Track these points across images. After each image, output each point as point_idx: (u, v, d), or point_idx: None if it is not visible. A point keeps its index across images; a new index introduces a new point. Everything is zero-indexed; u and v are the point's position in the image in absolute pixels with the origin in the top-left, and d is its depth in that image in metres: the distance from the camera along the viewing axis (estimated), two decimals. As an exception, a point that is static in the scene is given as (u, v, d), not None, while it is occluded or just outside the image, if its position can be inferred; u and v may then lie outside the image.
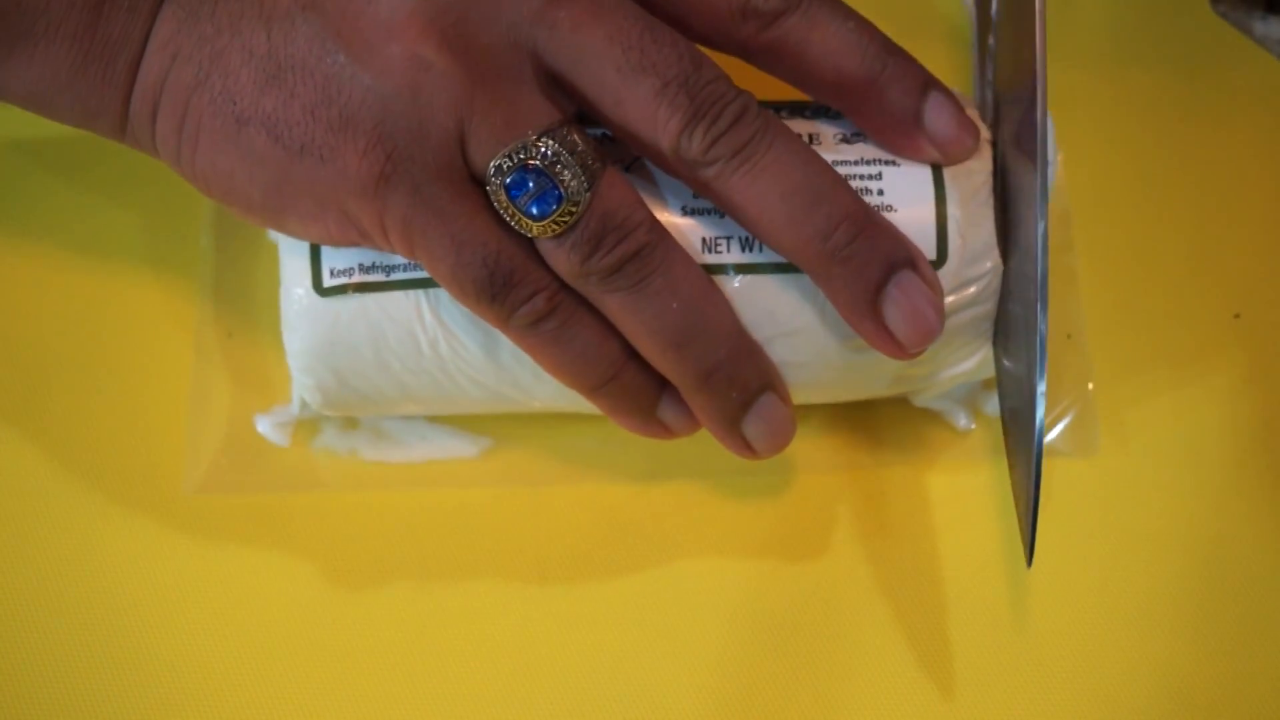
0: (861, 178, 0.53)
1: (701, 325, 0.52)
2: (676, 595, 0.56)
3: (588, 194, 0.50)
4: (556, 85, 0.51)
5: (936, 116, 0.53)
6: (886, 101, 0.52)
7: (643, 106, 0.50)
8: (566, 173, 0.50)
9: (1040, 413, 0.52)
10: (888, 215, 0.53)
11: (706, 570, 0.56)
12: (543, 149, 0.49)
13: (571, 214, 0.50)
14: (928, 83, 0.53)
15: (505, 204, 0.50)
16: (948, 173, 0.54)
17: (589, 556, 0.57)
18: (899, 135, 0.53)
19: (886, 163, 0.53)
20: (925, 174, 0.53)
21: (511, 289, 0.50)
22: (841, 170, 0.53)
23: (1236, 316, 0.60)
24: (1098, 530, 0.57)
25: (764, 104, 0.54)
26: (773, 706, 0.55)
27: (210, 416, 0.58)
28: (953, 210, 0.53)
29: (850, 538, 0.57)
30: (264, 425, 0.58)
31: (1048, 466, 0.57)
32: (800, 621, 0.56)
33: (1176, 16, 0.65)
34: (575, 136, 0.50)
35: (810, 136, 0.54)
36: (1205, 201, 0.62)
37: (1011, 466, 0.55)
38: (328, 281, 0.53)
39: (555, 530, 0.57)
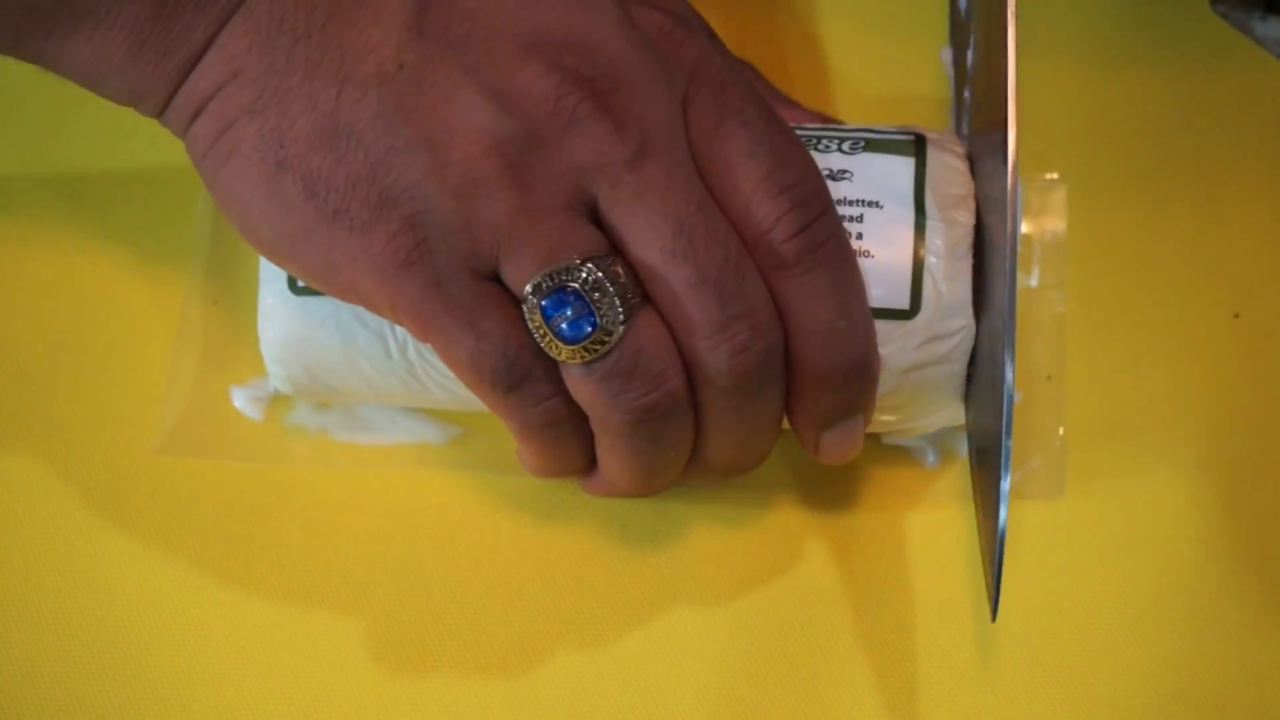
0: (843, 219, 0.53)
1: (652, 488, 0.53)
2: (644, 638, 0.56)
3: (622, 327, 0.49)
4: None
5: (833, 441, 0.53)
6: (810, 403, 0.52)
7: (674, 293, 0.49)
8: (604, 300, 0.49)
9: (1005, 486, 0.52)
10: (865, 260, 0.52)
11: (670, 610, 0.56)
12: (584, 274, 0.49)
13: (604, 343, 0.49)
14: (852, 409, 0.53)
15: (539, 323, 0.49)
16: (929, 223, 0.53)
17: (527, 546, 0.57)
18: (798, 427, 0.53)
19: (869, 204, 0.53)
20: (908, 221, 0.53)
21: (529, 383, 0.50)
22: None
23: (1236, 316, 0.60)
24: (1065, 573, 0.56)
25: None
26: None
27: (184, 381, 0.59)
28: (931, 261, 0.53)
29: (817, 572, 0.56)
30: (239, 398, 0.58)
31: (1015, 509, 0.57)
32: (771, 652, 0.55)
33: (1176, 16, 0.65)
34: (618, 268, 0.49)
35: None
36: (1205, 202, 0.62)
37: (978, 507, 0.55)
38: (302, 280, 0.53)
39: (512, 518, 0.57)
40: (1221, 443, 0.58)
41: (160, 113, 0.51)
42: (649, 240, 0.49)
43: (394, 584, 0.56)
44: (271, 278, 0.54)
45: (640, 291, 0.50)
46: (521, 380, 0.50)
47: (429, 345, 0.51)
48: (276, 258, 0.51)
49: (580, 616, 0.56)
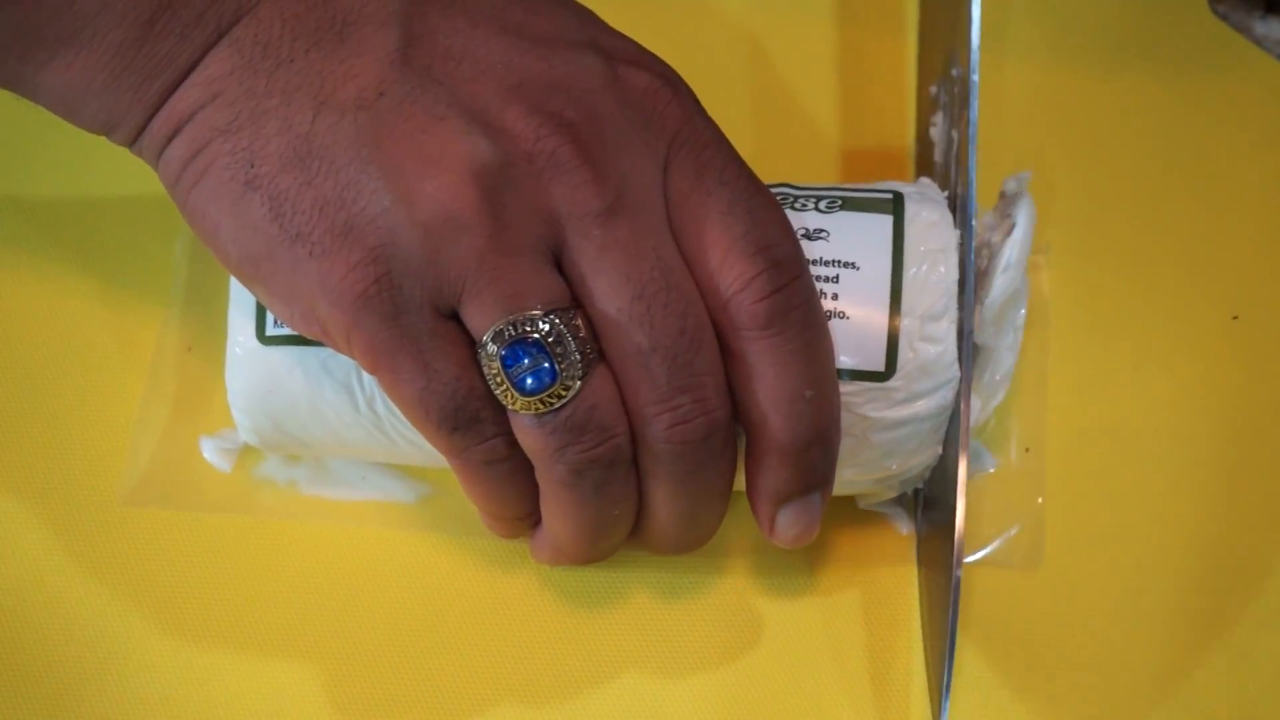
0: (818, 279, 0.52)
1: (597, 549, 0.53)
2: (613, 701, 0.55)
3: (579, 383, 0.49)
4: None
5: (789, 520, 0.52)
6: (768, 474, 0.51)
7: (625, 356, 0.49)
8: (564, 357, 0.49)
9: (954, 616, 0.52)
10: (839, 322, 0.52)
11: (643, 684, 0.55)
12: (546, 326, 0.48)
13: (560, 397, 0.49)
14: (811, 484, 0.52)
15: (496, 371, 0.49)
16: (907, 284, 0.52)
17: (491, 607, 0.56)
18: (754, 502, 0.52)
19: (846, 265, 0.53)
20: (884, 282, 0.52)
21: (475, 425, 0.50)
22: None
23: (1235, 318, 0.60)
24: (1037, 640, 0.56)
25: None
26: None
27: (154, 429, 0.58)
28: (907, 323, 0.52)
29: (786, 640, 0.56)
30: (208, 449, 0.58)
31: (990, 578, 0.56)
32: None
33: (1176, 17, 0.65)
34: (579, 321, 0.49)
35: None
36: (1204, 202, 0.62)
37: (924, 579, 0.55)
38: (270, 330, 0.53)
39: (477, 579, 0.57)
40: (1221, 444, 0.58)
41: (134, 140, 0.50)
42: (608, 299, 0.49)
43: (353, 640, 0.56)
44: (240, 326, 0.54)
45: (597, 346, 0.49)
46: (468, 422, 0.50)
47: (376, 379, 0.50)
48: (244, 279, 0.50)
49: (532, 678, 0.55)
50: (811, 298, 0.50)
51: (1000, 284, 0.55)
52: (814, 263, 0.52)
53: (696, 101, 0.51)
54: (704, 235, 0.50)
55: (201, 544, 0.57)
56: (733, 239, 0.49)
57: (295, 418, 0.54)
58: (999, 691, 0.55)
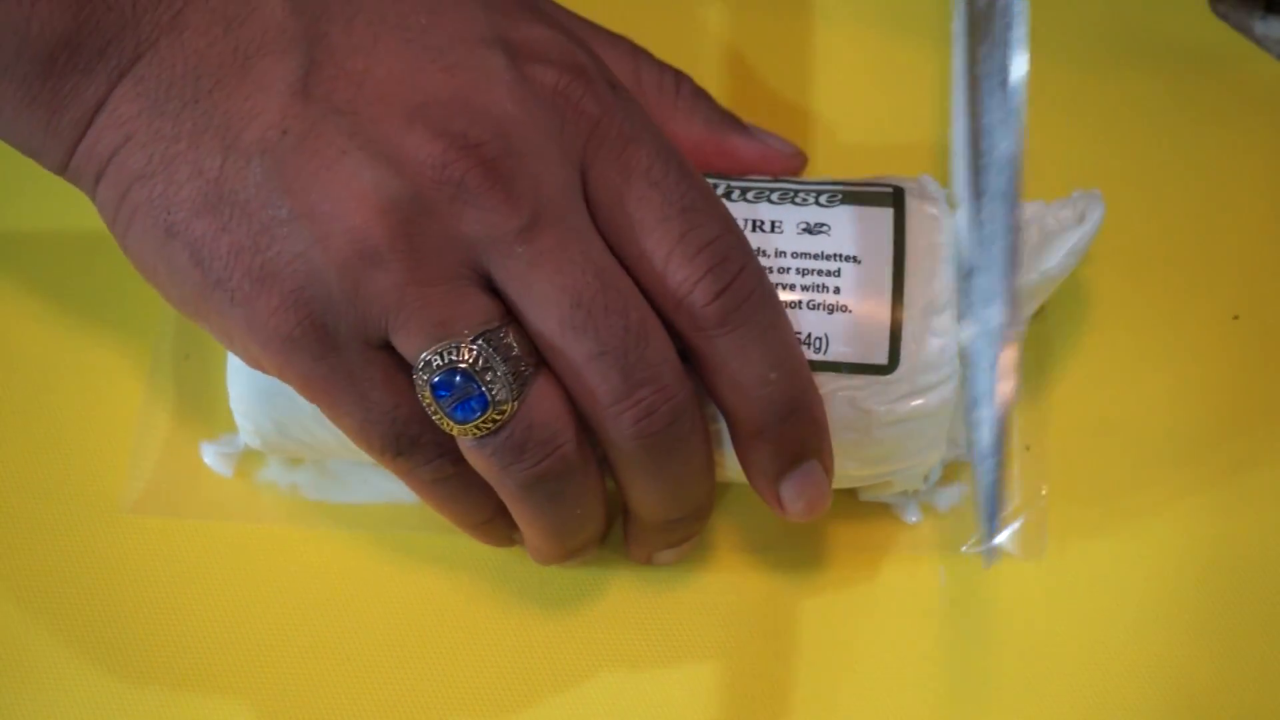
0: (820, 273, 0.52)
1: (569, 547, 0.53)
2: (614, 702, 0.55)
3: (514, 403, 0.48)
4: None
5: (793, 493, 0.52)
6: (755, 455, 0.51)
7: (574, 365, 0.49)
8: (495, 380, 0.48)
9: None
10: (842, 315, 0.52)
11: (642, 682, 0.55)
12: (474, 352, 0.48)
13: (495, 421, 0.48)
14: (801, 455, 0.52)
15: (429, 399, 0.48)
16: (908, 277, 0.52)
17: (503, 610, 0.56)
18: (755, 485, 0.52)
19: (847, 259, 0.53)
20: (886, 275, 0.52)
21: (418, 449, 0.50)
22: (800, 263, 0.52)
23: (1235, 318, 0.60)
24: (1045, 630, 0.56)
25: (729, 179, 0.53)
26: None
27: (155, 437, 0.58)
28: (910, 315, 0.52)
29: (788, 635, 0.56)
30: (209, 454, 0.58)
31: (994, 567, 0.56)
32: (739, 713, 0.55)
33: (1176, 17, 0.65)
34: (510, 340, 0.48)
35: (772, 224, 0.53)
36: (1205, 202, 0.62)
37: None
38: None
39: (482, 579, 0.57)
40: (1221, 445, 0.58)
41: (62, 170, 0.50)
42: (546, 313, 0.48)
43: (354, 640, 0.56)
44: None
45: (534, 359, 0.49)
46: (410, 447, 0.49)
47: (321, 409, 0.50)
48: (189, 318, 0.50)
49: (532, 678, 0.55)
50: (761, 282, 0.50)
51: (1061, 264, 0.55)
52: (815, 256, 0.52)
53: (615, 88, 0.50)
54: (642, 241, 0.49)
55: (203, 547, 0.57)
56: (672, 242, 0.49)
57: (298, 421, 0.54)
58: (1000, 684, 0.55)
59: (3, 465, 0.58)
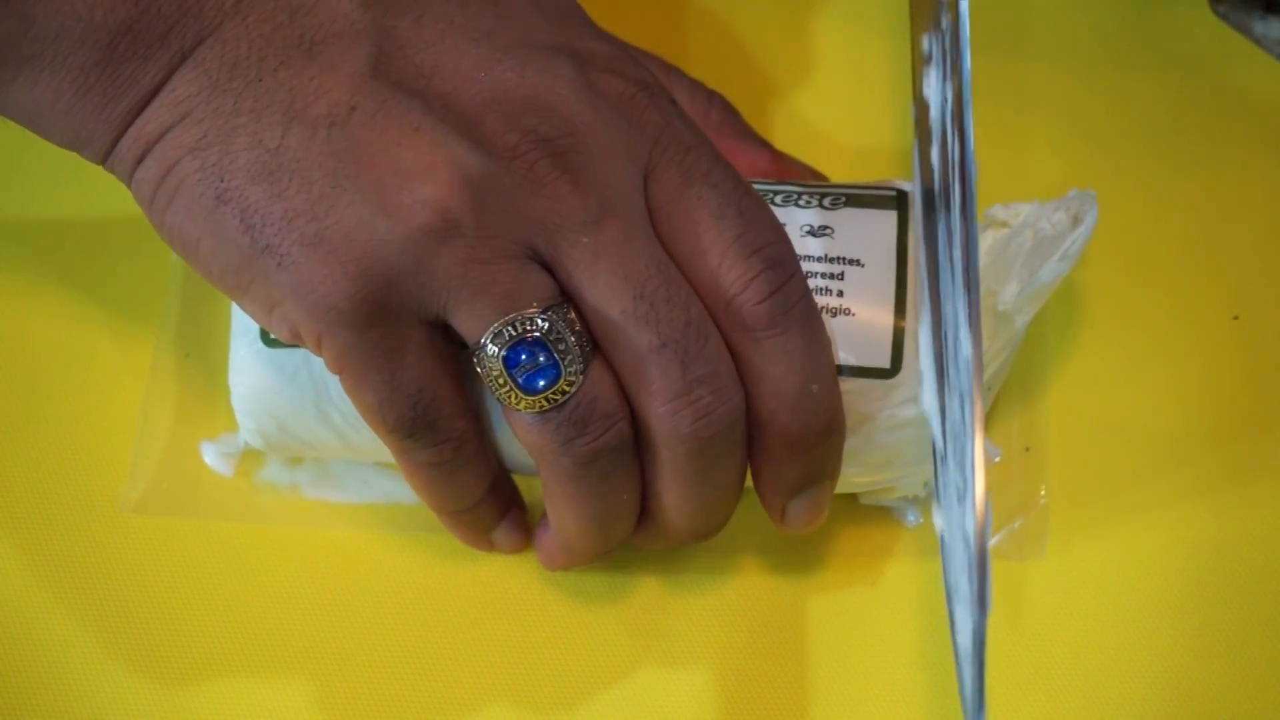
0: (824, 275, 0.52)
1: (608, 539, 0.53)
2: (615, 701, 0.55)
3: (582, 376, 0.49)
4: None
5: (800, 509, 0.53)
6: (779, 468, 0.52)
7: (635, 356, 0.49)
8: (567, 351, 0.49)
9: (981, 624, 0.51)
10: (845, 319, 0.52)
11: (644, 684, 0.55)
12: (545, 324, 0.48)
13: (564, 393, 0.49)
14: (821, 475, 0.52)
15: (498, 373, 0.49)
16: (911, 280, 0.52)
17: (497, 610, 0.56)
18: (764, 494, 0.53)
19: (851, 261, 0.53)
20: (889, 279, 0.52)
21: (430, 432, 0.50)
22: (803, 266, 0.52)
23: (1235, 318, 0.60)
24: (1046, 630, 0.56)
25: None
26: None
27: (156, 436, 0.58)
28: (913, 319, 0.52)
29: (790, 637, 0.56)
30: (209, 454, 0.58)
31: (994, 570, 0.55)
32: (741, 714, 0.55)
33: (1176, 17, 0.65)
34: (573, 315, 0.49)
35: None
36: (1204, 202, 0.62)
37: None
38: (252, 318, 0.53)
39: (483, 579, 0.57)
40: (1221, 444, 0.58)
41: (105, 158, 0.50)
42: (609, 302, 0.49)
43: (355, 641, 0.56)
44: (243, 331, 0.53)
45: (591, 339, 0.49)
46: (424, 429, 0.50)
47: (344, 383, 0.50)
48: (227, 291, 0.50)
49: (532, 679, 0.55)
50: (808, 294, 0.51)
51: (1053, 269, 0.55)
52: (818, 260, 0.52)
53: (674, 104, 0.51)
54: (698, 239, 0.50)
55: (203, 547, 0.57)
56: (728, 242, 0.50)
57: (300, 420, 0.54)
58: (1000, 684, 0.55)
59: (3, 465, 0.58)
